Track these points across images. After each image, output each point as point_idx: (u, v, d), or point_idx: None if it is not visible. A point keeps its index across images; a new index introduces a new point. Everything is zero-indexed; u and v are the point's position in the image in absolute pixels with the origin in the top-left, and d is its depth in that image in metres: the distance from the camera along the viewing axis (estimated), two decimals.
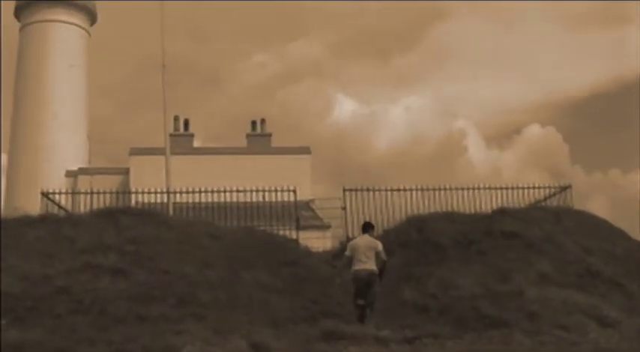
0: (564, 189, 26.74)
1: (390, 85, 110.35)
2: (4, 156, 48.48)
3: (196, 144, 42.65)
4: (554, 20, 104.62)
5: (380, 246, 17.07)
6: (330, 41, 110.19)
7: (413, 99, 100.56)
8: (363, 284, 16.69)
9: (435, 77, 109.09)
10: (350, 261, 17.04)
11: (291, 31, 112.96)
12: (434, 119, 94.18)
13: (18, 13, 49.87)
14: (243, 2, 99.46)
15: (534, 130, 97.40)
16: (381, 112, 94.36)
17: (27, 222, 21.34)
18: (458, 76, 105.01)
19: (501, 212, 22.58)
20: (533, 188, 26.74)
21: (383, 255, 16.96)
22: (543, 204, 26.04)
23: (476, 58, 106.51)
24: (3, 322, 15.61)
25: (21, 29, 49.44)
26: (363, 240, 17.29)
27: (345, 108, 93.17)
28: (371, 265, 16.79)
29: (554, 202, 26.21)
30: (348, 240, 20.81)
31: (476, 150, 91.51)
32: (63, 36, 48.49)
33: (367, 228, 17.78)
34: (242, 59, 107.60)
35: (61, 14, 48.69)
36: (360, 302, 16.64)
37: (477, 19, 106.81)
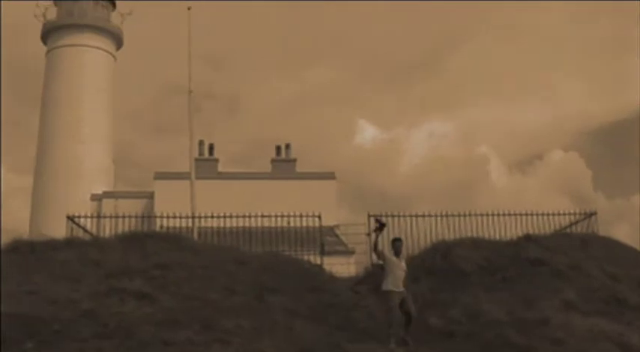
0: (590, 215, 26.60)
1: (412, 111, 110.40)
2: (30, 178, 48.81)
3: (220, 168, 42.78)
4: (578, 43, 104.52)
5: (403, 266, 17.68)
6: (351, 66, 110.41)
7: (435, 125, 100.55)
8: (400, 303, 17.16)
9: (457, 103, 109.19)
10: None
11: (311, 56, 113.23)
12: (456, 145, 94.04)
13: (45, 37, 50.37)
14: (264, 28, 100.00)
15: (557, 156, 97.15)
16: (403, 138, 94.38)
17: (53, 245, 21.46)
18: (479, 101, 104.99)
19: (527, 238, 22.54)
20: (559, 214, 26.61)
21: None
22: (569, 230, 25.94)
23: (497, 82, 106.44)
24: (30, 346, 15.67)
25: (47, 53, 49.90)
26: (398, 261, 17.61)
27: (367, 133, 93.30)
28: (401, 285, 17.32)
29: (579, 229, 26.11)
30: (373, 266, 20.89)
31: (498, 175, 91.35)
32: (90, 60, 48.98)
33: (399, 245, 18.01)
34: (262, 85, 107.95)
35: (89, 39, 49.18)
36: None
37: (499, 44, 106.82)
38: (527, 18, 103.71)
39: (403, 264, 17.66)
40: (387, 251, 17.95)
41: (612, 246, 23.22)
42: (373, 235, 18.65)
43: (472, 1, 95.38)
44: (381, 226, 18.04)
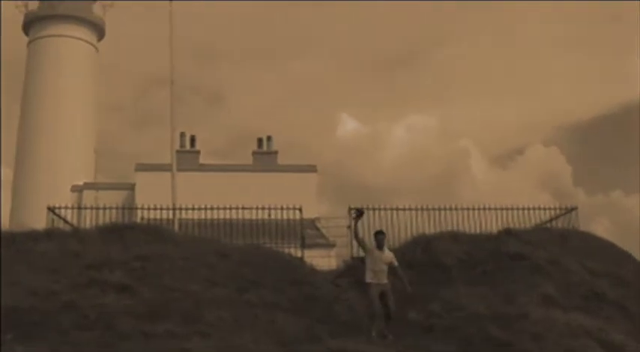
0: (570, 210, 26.67)
1: (393, 105, 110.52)
2: (9, 171, 48.67)
3: (201, 160, 42.72)
4: (558, 41, 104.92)
5: (391, 256, 17.84)
6: (333, 60, 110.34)
7: (416, 119, 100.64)
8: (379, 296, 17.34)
9: (438, 97, 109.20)
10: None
11: (294, 49, 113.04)
12: (437, 139, 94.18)
13: (26, 28, 50.18)
14: (247, 21, 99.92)
15: (537, 151, 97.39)
16: (384, 131, 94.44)
17: (33, 236, 21.41)
18: (460, 96, 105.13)
19: (507, 233, 22.63)
20: (539, 209, 26.68)
21: (397, 267, 17.74)
22: (549, 225, 26.04)
23: (478, 78, 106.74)
24: (9, 337, 15.64)
25: (29, 43, 49.72)
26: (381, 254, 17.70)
27: (349, 127, 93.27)
28: (384, 277, 17.50)
29: (559, 224, 26.20)
30: (353, 259, 20.98)
31: (478, 169, 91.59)
32: (71, 51, 48.79)
33: (381, 237, 18.05)
34: (245, 77, 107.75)
35: (70, 30, 49.00)
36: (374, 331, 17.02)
37: (480, 40, 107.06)
38: (508, 16, 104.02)
39: (386, 257, 17.67)
40: (369, 242, 18.04)
41: (592, 242, 23.35)
42: (352, 223, 18.72)
43: (454, 0, 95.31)
44: (359, 213, 18.17)
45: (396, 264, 17.72)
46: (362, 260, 18.24)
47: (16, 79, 51.41)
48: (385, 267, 17.50)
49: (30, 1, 50.88)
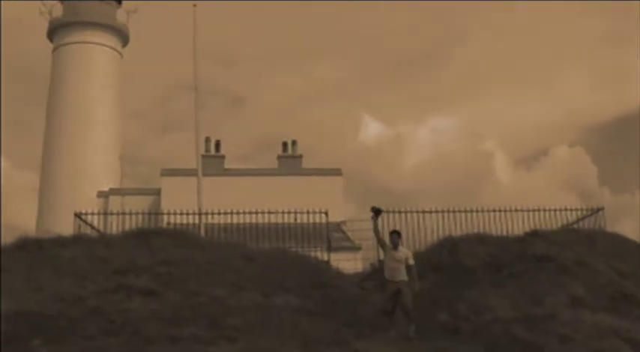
0: (597, 211, 26.53)
1: (416, 106, 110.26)
2: (35, 177, 48.90)
3: (226, 165, 42.79)
4: (582, 39, 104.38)
5: (408, 254, 18.41)
6: (354, 62, 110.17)
7: (439, 121, 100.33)
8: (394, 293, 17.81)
9: (461, 98, 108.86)
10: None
11: (316, 52, 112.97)
12: (460, 140, 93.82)
13: (51, 35, 50.39)
14: (268, 24, 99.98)
15: (562, 151, 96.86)
16: (408, 133, 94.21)
17: (60, 242, 21.49)
18: (484, 97, 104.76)
19: (534, 234, 22.49)
20: (565, 210, 26.56)
21: (413, 267, 18.10)
22: (575, 226, 25.89)
23: (502, 77, 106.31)
24: (36, 342, 15.70)
25: (54, 50, 49.96)
26: (396, 254, 18.15)
27: (372, 129, 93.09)
28: (402, 275, 17.93)
29: (586, 224, 26.05)
30: (379, 262, 20.97)
31: (503, 171, 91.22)
32: (96, 58, 49.02)
33: (397, 236, 18.61)
34: (267, 81, 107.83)
35: (95, 36, 49.22)
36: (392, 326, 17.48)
37: (503, 39, 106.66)
38: (531, 14, 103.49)
39: (400, 255, 17.99)
40: (388, 242, 18.53)
41: (619, 242, 23.16)
42: (372, 222, 18.91)
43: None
44: (376, 212, 18.65)
45: (411, 262, 18.04)
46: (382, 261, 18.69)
47: (41, 85, 51.66)
48: (400, 266, 17.89)
49: (52, 0, 51.06)
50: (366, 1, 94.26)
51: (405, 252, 18.24)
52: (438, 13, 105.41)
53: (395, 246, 18.20)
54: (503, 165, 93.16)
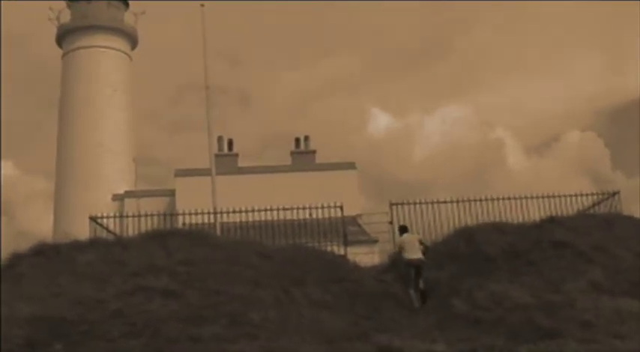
0: (613, 195, 26.46)
1: (424, 97, 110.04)
2: (50, 182, 49.01)
3: (239, 163, 42.80)
4: (592, 23, 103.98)
5: (420, 237, 21.26)
6: (362, 56, 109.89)
7: (448, 110, 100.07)
8: (416, 270, 19.83)
9: (470, 86, 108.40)
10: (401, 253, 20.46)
11: (322, 47, 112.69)
12: (471, 129, 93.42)
13: (60, 40, 50.44)
14: (273, 21, 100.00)
15: (574, 137, 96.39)
16: (417, 125, 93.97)
17: (77, 246, 21.55)
18: (492, 85, 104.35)
19: (550, 221, 22.44)
20: (581, 195, 26.53)
21: (427, 243, 21.03)
22: (592, 211, 25.83)
23: (510, 66, 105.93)
24: (58, 347, 15.76)
25: (63, 56, 49.99)
26: (409, 237, 20.70)
27: (381, 122, 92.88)
28: (420, 254, 20.09)
29: (602, 209, 25.98)
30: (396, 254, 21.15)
31: (515, 158, 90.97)
32: (106, 61, 49.03)
33: (405, 229, 21.26)
34: (275, 78, 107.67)
35: (104, 40, 49.24)
36: (415, 297, 19.45)
37: (510, 25, 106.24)
38: None
39: (412, 238, 20.81)
40: (399, 244, 20.83)
41: (636, 225, 23.06)
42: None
43: None
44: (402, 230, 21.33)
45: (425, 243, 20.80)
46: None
47: (52, 91, 51.76)
48: (416, 244, 20.33)
49: None
50: None
51: (415, 235, 21.22)
52: (442, 3, 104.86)
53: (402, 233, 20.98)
54: (515, 153, 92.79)
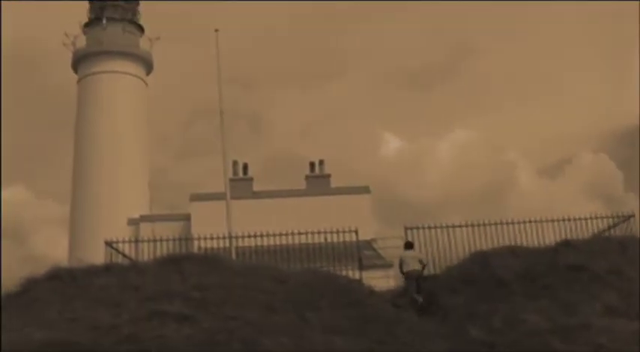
0: (627, 218, 26.35)
1: (435, 120, 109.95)
2: (66, 207, 49.19)
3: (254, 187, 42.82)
4: (601, 43, 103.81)
5: (421, 256, 22.92)
6: (370, 79, 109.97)
7: (459, 133, 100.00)
8: (415, 278, 21.75)
9: (480, 108, 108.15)
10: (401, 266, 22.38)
11: (330, 71, 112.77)
12: (482, 152, 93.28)
13: (75, 66, 50.77)
14: (283, 46, 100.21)
15: (586, 159, 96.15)
16: (429, 148, 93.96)
17: (93, 271, 21.61)
18: (502, 107, 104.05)
19: (566, 244, 22.37)
20: (595, 218, 26.42)
21: (424, 261, 22.59)
22: (607, 234, 25.73)
23: (520, 88, 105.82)
24: None
25: (79, 81, 50.33)
26: (412, 254, 22.57)
27: (392, 145, 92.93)
28: (418, 266, 22.11)
29: (616, 232, 25.87)
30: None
31: (527, 181, 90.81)
32: (122, 86, 49.37)
33: (410, 245, 23.22)
34: (285, 100, 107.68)
35: (120, 65, 49.59)
36: (418, 297, 21.01)
37: (518, 49, 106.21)
38: (547, 19, 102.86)
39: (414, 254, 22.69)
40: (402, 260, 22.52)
41: None
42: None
43: (488, 1, 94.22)
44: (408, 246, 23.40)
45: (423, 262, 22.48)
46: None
47: (67, 116, 52.00)
48: (417, 262, 22.16)
49: (76, 36, 51.44)
50: (376, 15, 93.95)
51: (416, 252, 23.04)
52: (450, 26, 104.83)
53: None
54: (527, 175, 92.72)
